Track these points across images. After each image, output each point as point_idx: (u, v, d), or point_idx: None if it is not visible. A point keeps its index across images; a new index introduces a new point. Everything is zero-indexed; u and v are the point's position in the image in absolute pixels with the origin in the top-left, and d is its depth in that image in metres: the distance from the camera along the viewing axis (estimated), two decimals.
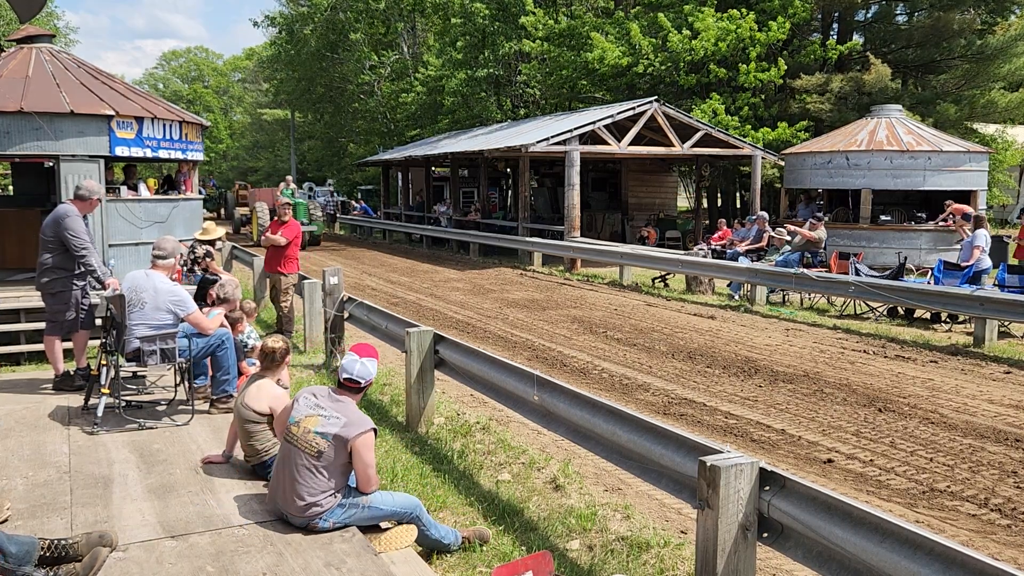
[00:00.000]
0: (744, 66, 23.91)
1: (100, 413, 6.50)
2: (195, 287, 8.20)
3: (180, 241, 10.60)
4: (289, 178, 28.19)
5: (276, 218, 11.10)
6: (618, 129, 21.22)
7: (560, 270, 19.80)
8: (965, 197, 19.47)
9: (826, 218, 20.43)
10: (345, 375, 4.75)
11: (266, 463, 5.31)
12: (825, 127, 24.41)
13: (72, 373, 7.74)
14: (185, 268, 10.42)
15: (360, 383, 4.75)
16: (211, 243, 10.89)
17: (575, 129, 20.07)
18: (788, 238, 15.78)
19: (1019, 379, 8.99)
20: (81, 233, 7.38)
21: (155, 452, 5.98)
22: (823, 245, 15.41)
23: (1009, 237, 18.21)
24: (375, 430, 4.67)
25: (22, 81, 10.20)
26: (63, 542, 4.12)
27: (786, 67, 24.39)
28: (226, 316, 7.53)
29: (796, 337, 11.38)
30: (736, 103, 24.60)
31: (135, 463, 5.74)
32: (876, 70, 23.81)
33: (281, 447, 4.79)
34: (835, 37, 27.53)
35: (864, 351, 10.42)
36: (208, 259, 10.65)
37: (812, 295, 14.54)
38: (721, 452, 3.98)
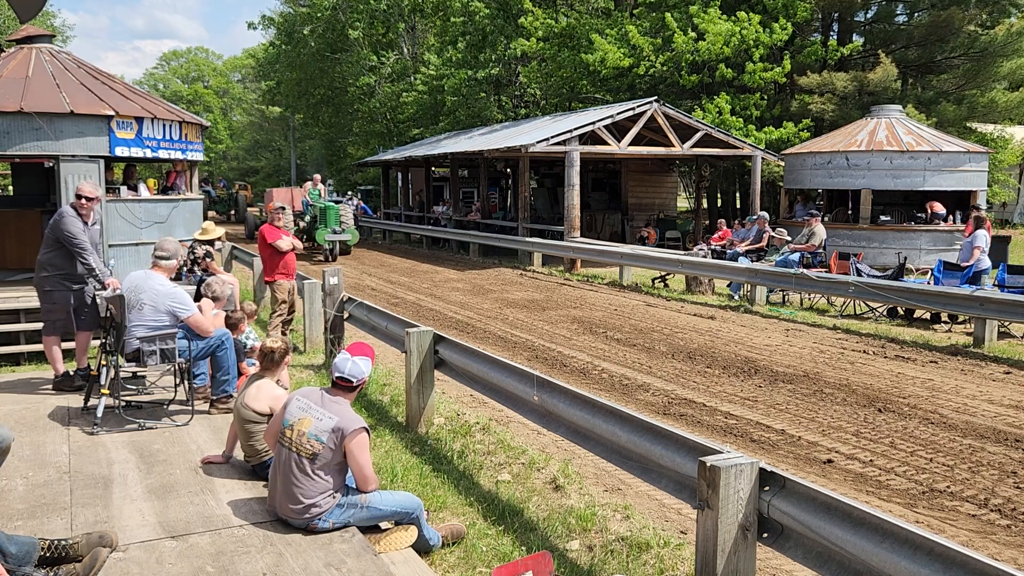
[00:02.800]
0: (751, 65, 23.91)
1: (100, 413, 6.50)
2: (194, 287, 8.21)
3: (180, 241, 10.61)
4: (317, 177, 25.49)
5: (269, 222, 10.41)
6: (618, 129, 21.23)
7: (560, 270, 19.80)
8: (965, 197, 19.51)
9: (826, 218, 20.50)
10: (337, 374, 4.76)
11: (266, 463, 5.30)
12: (826, 127, 24.42)
13: (72, 373, 7.74)
14: (184, 268, 10.39)
15: (352, 382, 4.75)
16: (210, 243, 10.86)
17: (575, 129, 20.07)
18: (788, 238, 15.78)
19: (1019, 379, 8.99)
20: (78, 234, 7.40)
21: (155, 452, 5.98)
22: (823, 244, 15.41)
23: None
24: (367, 430, 4.67)
25: (22, 81, 10.20)
26: (63, 542, 4.12)
27: (790, 67, 24.40)
28: (228, 317, 7.53)
29: (796, 337, 11.38)
30: (740, 103, 24.61)
31: (135, 463, 5.74)
32: (884, 68, 23.80)
33: (276, 452, 4.78)
34: (835, 37, 27.55)
35: (864, 351, 10.42)
36: (208, 259, 10.63)
37: (812, 295, 14.54)
38: (721, 452, 3.98)
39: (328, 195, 26.44)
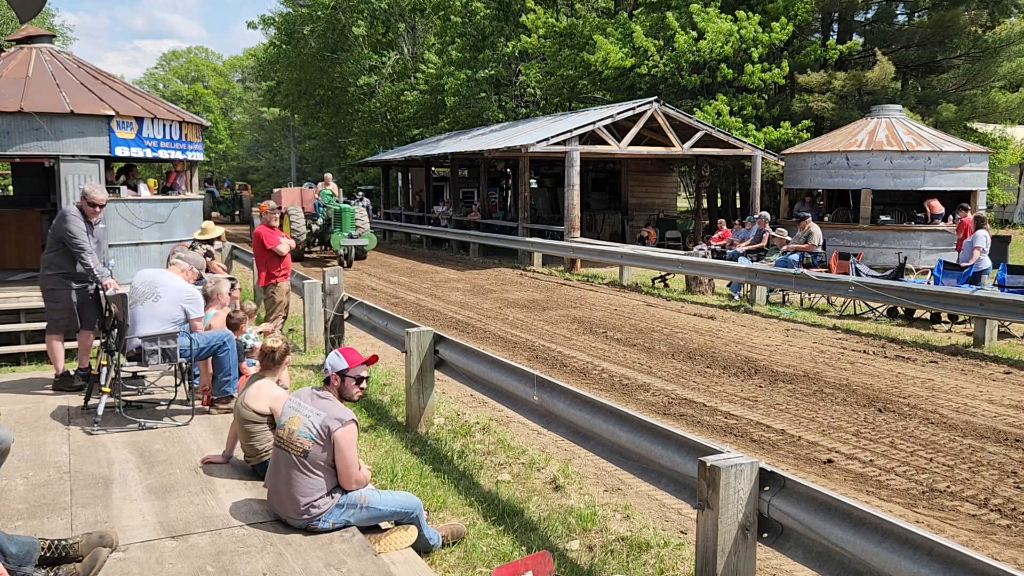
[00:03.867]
0: (750, 66, 23.92)
1: (100, 413, 6.51)
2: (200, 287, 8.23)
3: (179, 242, 10.62)
4: (328, 176, 23.42)
5: (264, 223, 10.18)
6: (618, 129, 21.22)
7: (560, 270, 19.80)
8: (965, 197, 19.52)
9: (826, 218, 20.50)
10: (325, 371, 4.85)
11: (266, 463, 5.30)
12: (826, 126, 24.42)
13: (72, 373, 7.75)
14: None
15: (329, 372, 4.80)
16: (210, 242, 10.86)
17: (575, 129, 20.07)
18: (788, 238, 15.78)
19: (1019, 379, 8.99)
20: (79, 233, 7.41)
21: (155, 452, 5.98)
22: (821, 243, 15.40)
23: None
24: (356, 422, 4.69)
25: (22, 81, 10.20)
26: (63, 542, 4.12)
27: (789, 68, 24.40)
28: (229, 317, 7.53)
29: (796, 337, 11.38)
30: (739, 103, 24.62)
31: (135, 463, 5.74)
32: (881, 67, 23.80)
33: (273, 454, 4.82)
34: (835, 37, 27.55)
35: (864, 351, 10.42)
36: (208, 259, 10.61)
37: (812, 295, 14.54)
38: (721, 452, 3.98)
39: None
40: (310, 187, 27.12)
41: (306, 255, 21.84)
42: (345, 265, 20.21)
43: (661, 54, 24.89)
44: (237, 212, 40.19)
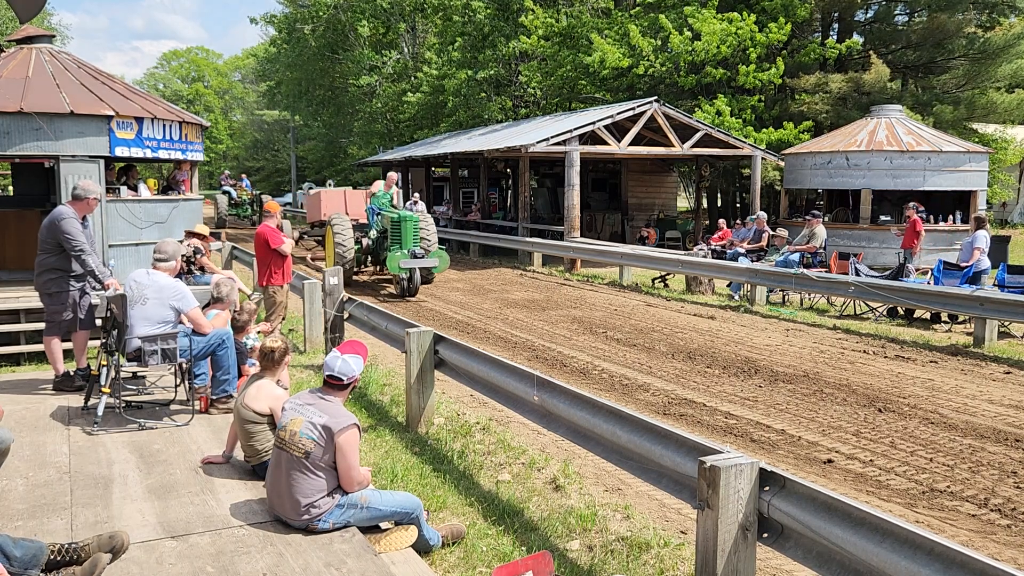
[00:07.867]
0: (744, 67, 23.91)
1: (100, 413, 6.51)
2: (199, 286, 8.21)
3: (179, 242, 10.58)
4: (393, 175, 17.42)
5: (265, 222, 10.14)
6: (618, 129, 21.22)
7: (560, 270, 19.80)
8: (965, 197, 19.52)
9: (826, 218, 20.48)
10: (327, 372, 4.78)
11: (266, 463, 5.30)
12: (825, 127, 24.41)
13: (72, 373, 7.74)
14: (184, 269, 10.35)
15: (342, 380, 4.75)
16: (198, 236, 10.81)
17: (575, 129, 20.07)
18: (788, 238, 15.79)
19: (1019, 379, 8.99)
20: (77, 234, 7.37)
21: (155, 452, 5.98)
22: (823, 245, 15.42)
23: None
24: (358, 426, 4.67)
25: (22, 81, 10.20)
26: (74, 545, 4.08)
27: (784, 67, 24.38)
28: (235, 320, 7.51)
29: (796, 337, 11.38)
30: (739, 104, 24.61)
31: (135, 463, 5.74)
32: (876, 69, 23.82)
33: (273, 454, 4.82)
34: (834, 37, 27.55)
35: (864, 351, 10.42)
36: (199, 256, 10.55)
37: (812, 295, 14.54)
38: (721, 452, 3.98)
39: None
40: (310, 187, 25.56)
41: (355, 278, 17.01)
42: (408, 293, 15.05)
43: (657, 54, 24.88)
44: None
